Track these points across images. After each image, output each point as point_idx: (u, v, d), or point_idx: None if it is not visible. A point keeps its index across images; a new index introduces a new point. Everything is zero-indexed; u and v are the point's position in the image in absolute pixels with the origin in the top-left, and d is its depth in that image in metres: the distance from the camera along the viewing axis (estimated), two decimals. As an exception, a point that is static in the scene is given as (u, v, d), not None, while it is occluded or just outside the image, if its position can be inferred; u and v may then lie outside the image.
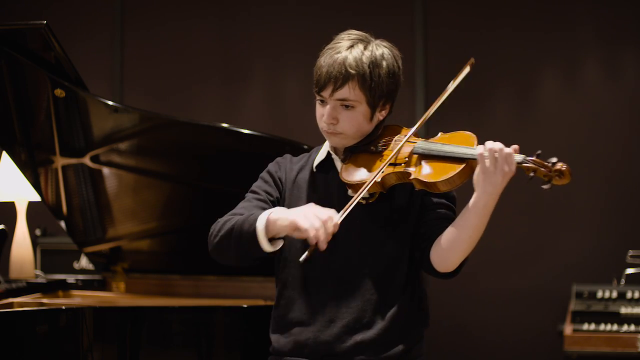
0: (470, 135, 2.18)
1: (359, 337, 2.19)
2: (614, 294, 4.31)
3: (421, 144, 2.17)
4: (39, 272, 4.18)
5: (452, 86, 2.26)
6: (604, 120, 5.02)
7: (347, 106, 2.19)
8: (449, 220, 2.21)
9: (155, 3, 5.71)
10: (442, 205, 2.25)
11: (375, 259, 2.21)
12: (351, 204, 2.09)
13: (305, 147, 3.09)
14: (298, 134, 3.92)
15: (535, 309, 5.02)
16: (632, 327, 4.17)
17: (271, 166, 2.35)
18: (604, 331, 4.17)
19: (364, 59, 2.16)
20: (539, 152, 2.07)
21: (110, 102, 3.30)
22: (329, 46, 2.22)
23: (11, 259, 3.79)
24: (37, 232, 4.85)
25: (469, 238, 2.12)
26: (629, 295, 4.29)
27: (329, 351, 2.20)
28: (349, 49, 2.17)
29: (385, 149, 2.22)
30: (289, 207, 2.24)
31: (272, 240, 2.08)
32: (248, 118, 5.43)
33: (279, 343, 2.26)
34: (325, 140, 2.32)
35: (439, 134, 2.24)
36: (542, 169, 2.05)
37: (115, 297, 3.63)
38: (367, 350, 2.19)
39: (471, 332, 5.16)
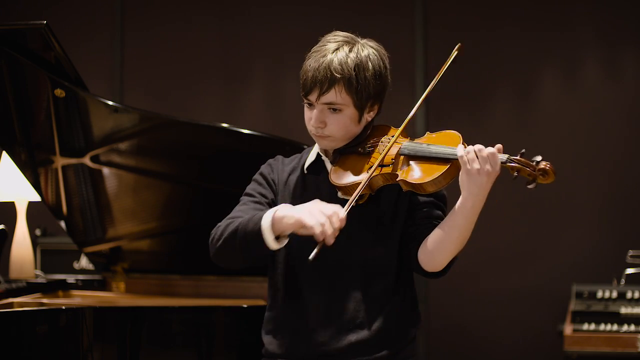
0: (455, 135, 2.18)
1: (352, 337, 2.19)
2: (614, 294, 4.31)
3: (407, 145, 2.17)
4: (39, 272, 4.18)
5: (441, 72, 2.25)
6: (604, 120, 5.02)
7: (334, 109, 2.18)
8: (437, 219, 2.22)
9: (155, 3, 5.71)
10: (431, 204, 2.25)
11: (366, 261, 2.21)
12: (354, 198, 2.09)
13: (305, 147, 3.09)
14: (298, 134, 3.92)
15: (535, 309, 5.02)
16: (632, 327, 4.17)
17: (263, 168, 2.35)
18: (604, 331, 4.17)
19: (349, 61, 2.15)
20: (523, 150, 2.07)
21: (110, 102, 3.30)
22: (314, 49, 2.21)
23: (11, 259, 3.79)
24: (37, 232, 4.85)
25: (456, 239, 2.12)
26: (629, 295, 4.29)
27: (322, 352, 2.20)
28: (334, 52, 2.16)
29: (373, 150, 2.22)
30: None
31: (277, 238, 2.08)
32: (248, 118, 5.43)
33: (272, 345, 2.26)
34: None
35: (426, 133, 2.24)
36: (526, 168, 2.04)
37: (115, 297, 3.63)
38: (360, 351, 2.19)
39: (471, 332, 5.16)
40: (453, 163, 2.09)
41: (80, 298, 3.60)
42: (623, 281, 4.43)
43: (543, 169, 2.02)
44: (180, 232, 3.55)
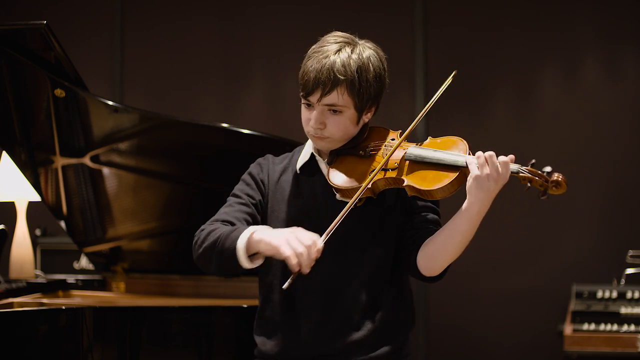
0: (460, 141, 2.18)
1: (347, 338, 2.19)
2: (614, 294, 4.31)
3: (413, 150, 2.16)
4: (39, 272, 4.18)
5: (436, 97, 2.25)
6: (604, 120, 5.02)
7: (334, 111, 2.17)
8: (434, 223, 2.23)
9: (155, 3, 5.71)
10: (428, 208, 2.25)
11: (363, 262, 2.21)
12: (335, 225, 2.07)
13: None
14: (298, 134, 3.91)
15: (535, 309, 5.02)
16: (632, 327, 4.17)
17: (253, 168, 2.33)
18: (604, 331, 4.17)
19: (352, 63, 2.15)
20: (534, 161, 2.06)
21: (110, 102, 3.30)
22: (314, 49, 2.19)
23: (11, 259, 3.79)
24: (37, 232, 4.85)
25: (458, 243, 2.12)
26: (629, 295, 4.29)
27: (318, 353, 2.20)
28: (336, 53, 2.15)
29: (375, 154, 2.21)
30: (272, 209, 2.25)
31: (252, 255, 2.07)
32: (248, 118, 5.43)
33: (266, 346, 2.25)
34: (307, 140, 2.32)
35: (428, 138, 2.23)
36: (538, 179, 2.04)
37: (115, 297, 3.63)
38: (356, 351, 2.20)
39: (471, 332, 5.16)
40: (462, 170, 2.08)
41: (80, 298, 3.60)
42: (623, 281, 4.43)
43: (556, 181, 2.03)
44: (180, 232, 3.55)
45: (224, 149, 3.32)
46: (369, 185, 2.12)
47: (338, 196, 2.20)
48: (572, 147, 5.05)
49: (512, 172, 2.05)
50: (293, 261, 1.96)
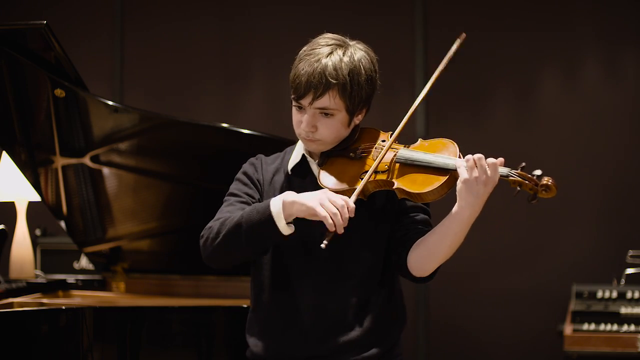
0: (451, 143, 2.17)
1: (340, 339, 2.19)
2: (614, 294, 4.31)
3: (403, 153, 2.16)
4: (39, 272, 4.18)
5: (443, 64, 2.24)
6: (604, 120, 5.01)
7: (326, 114, 2.17)
8: (425, 224, 2.23)
9: (155, 3, 5.71)
10: (418, 208, 2.26)
11: (354, 263, 2.21)
12: (362, 186, 2.10)
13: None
14: (298, 134, 3.93)
15: (535, 309, 5.02)
16: (632, 327, 4.17)
17: (247, 168, 2.32)
18: (604, 331, 4.17)
19: (344, 66, 2.14)
20: (523, 164, 2.06)
21: (110, 102, 3.29)
22: (306, 51, 2.19)
23: (11, 259, 3.79)
24: (37, 232, 4.85)
25: (449, 246, 2.12)
26: (629, 295, 4.29)
27: (310, 353, 2.20)
28: (328, 56, 2.14)
29: (366, 156, 2.21)
30: None
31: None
32: (248, 118, 5.43)
33: (258, 347, 2.25)
34: (291, 140, 2.32)
35: (419, 140, 2.23)
36: (528, 183, 2.03)
37: (115, 297, 3.63)
38: (349, 351, 2.20)
39: (471, 332, 5.16)
40: (452, 173, 2.08)
41: (80, 298, 3.60)
42: (623, 281, 4.43)
43: (546, 185, 2.02)
44: (180, 232, 3.55)
45: (224, 149, 3.32)
46: (360, 186, 2.12)
47: None
48: (572, 147, 5.05)
49: (501, 176, 2.04)
50: (329, 221, 1.99)
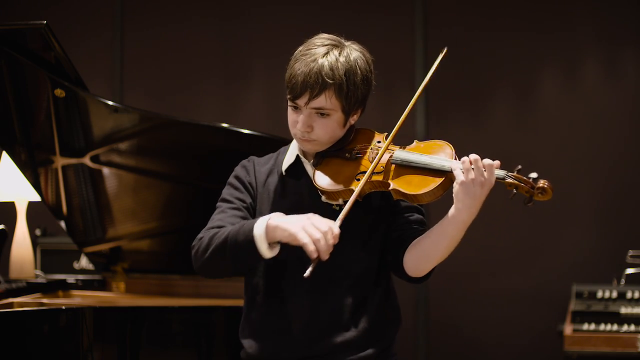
0: (446, 145, 2.17)
1: (336, 339, 2.19)
2: (614, 294, 4.31)
3: (399, 154, 2.16)
4: (39, 272, 4.19)
5: (426, 79, 2.24)
6: (604, 120, 5.02)
7: (322, 114, 2.17)
8: (420, 223, 2.23)
9: (155, 3, 5.71)
10: (413, 208, 2.26)
11: (350, 264, 2.21)
12: (347, 211, 2.06)
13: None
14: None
15: (535, 309, 5.02)
16: (632, 327, 4.17)
17: (239, 171, 2.31)
18: (604, 331, 4.17)
19: (340, 66, 2.14)
20: (519, 167, 2.06)
21: (110, 102, 3.30)
22: (302, 52, 2.18)
23: (11, 259, 3.79)
24: (37, 232, 4.85)
25: (445, 247, 2.12)
26: (629, 295, 4.29)
27: (306, 354, 2.20)
28: (324, 56, 2.14)
29: (362, 157, 2.21)
30: (259, 211, 2.24)
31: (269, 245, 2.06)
32: (248, 118, 5.43)
33: (253, 348, 2.24)
34: (291, 141, 2.31)
35: (414, 142, 2.22)
36: (524, 185, 2.03)
37: (115, 297, 3.63)
38: (344, 352, 2.20)
39: (471, 332, 5.16)
40: (448, 175, 2.08)
41: (80, 298, 3.60)
42: (623, 281, 4.43)
43: (542, 188, 2.02)
44: (180, 232, 3.55)
45: (224, 149, 3.32)
46: (358, 189, 2.12)
47: (323, 198, 2.20)
48: (572, 147, 5.05)
49: (497, 178, 2.03)
50: (311, 247, 1.96)
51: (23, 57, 3.14)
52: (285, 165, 2.28)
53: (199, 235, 2.18)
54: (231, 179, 2.31)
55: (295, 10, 5.44)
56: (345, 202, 2.14)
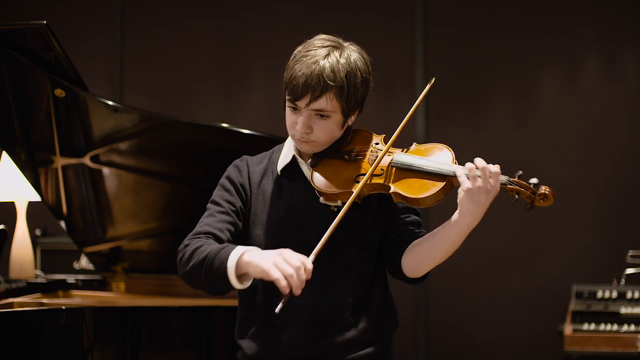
0: (447, 149, 2.18)
1: (336, 338, 2.20)
2: (614, 294, 4.31)
3: (400, 157, 2.16)
4: (39, 272, 4.19)
5: (415, 104, 2.24)
6: (604, 120, 5.02)
7: (321, 115, 2.16)
8: (416, 225, 2.25)
9: (155, 3, 5.71)
10: (410, 210, 2.27)
11: (348, 265, 2.22)
12: (323, 243, 2.04)
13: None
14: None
15: (535, 309, 5.02)
16: (632, 327, 4.17)
17: (232, 172, 2.30)
18: (604, 331, 4.17)
19: (341, 68, 2.13)
20: (520, 172, 2.06)
21: (110, 102, 3.30)
22: (302, 53, 2.17)
23: (11, 259, 3.79)
24: (37, 232, 4.85)
25: (445, 251, 2.14)
26: (629, 295, 4.29)
27: (306, 354, 2.20)
28: (325, 58, 2.14)
29: (362, 159, 2.21)
30: (254, 213, 2.24)
31: (242, 275, 2.04)
32: (248, 118, 5.43)
33: (253, 349, 2.24)
34: (285, 140, 2.31)
35: (413, 145, 2.23)
36: (526, 191, 2.04)
37: (115, 297, 3.63)
38: (343, 352, 2.21)
39: (471, 332, 5.16)
40: (449, 179, 2.09)
41: (80, 298, 3.60)
42: (623, 281, 4.43)
43: (544, 194, 2.02)
44: (180, 232, 3.52)
45: (224, 149, 3.32)
46: (356, 192, 2.12)
47: (321, 199, 2.20)
48: (572, 146, 5.05)
49: (500, 184, 2.04)
50: (282, 283, 1.93)
51: (23, 57, 3.14)
52: (280, 165, 2.27)
53: (185, 241, 2.17)
54: (223, 180, 2.29)
55: (295, 10, 5.44)
56: (344, 204, 2.15)
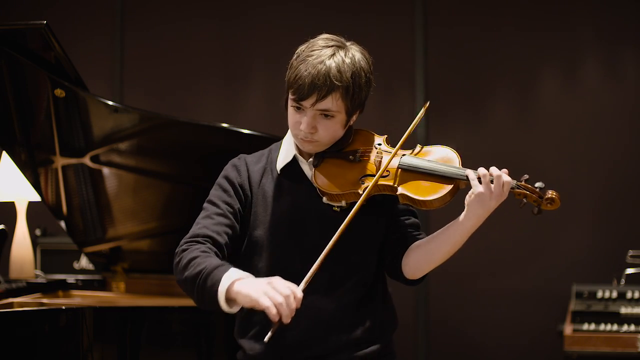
0: (453, 152, 2.19)
1: (339, 338, 2.20)
2: (614, 294, 4.31)
3: (407, 159, 2.17)
4: (39, 272, 4.19)
5: (412, 126, 2.25)
6: (604, 120, 5.02)
7: (326, 115, 2.16)
8: (416, 227, 2.27)
9: (155, 3, 5.71)
10: (409, 212, 2.29)
11: (350, 265, 2.22)
12: (314, 271, 2.03)
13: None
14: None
15: (535, 309, 5.02)
16: (632, 327, 4.17)
17: (230, 172, 2.27)
18: (604, 331, 4.17)
19: (347, 68, 2.13)
20: (527, 176, 2.10)
21: (110, 102, 3.30)
22: (306, 52, 2.17)
23: (11, 259, 3.79)
24: (37, 232, 4.85)
25: (448, 253, 2.16)
26: (629, 295, 4.29)
27: (308, 354, 2.20)
28: (331, 58, 2.13)
29: (367, 160, 2.21)
30: (255, 214, 2.22)
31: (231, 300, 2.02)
32: (248, 118, 5.43)
33: (255, 350, 2.24)
34: (283, 138, 2.31)
35: (417, 146, 2.23)
36: (533, 195, 2.08)
37: (115, 297, 3.63)
38: (346, 351, 2.21)
39: (471, 332, 5.16)
40: (456, 182, 2.11)
41: (80, 298, 3.60)
42: (623, 281, 4.43)
43: (551, 198, 2.08)
44: (180, 232, 3.53)
45: (224, 149, 3.31)
46: (363, 193, 2.12)
47: (325, 199, 2.20)
48: (571, 146, 5.05)
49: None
50: (272, 312, 1.92)
51: (23, 57, 3.14)
52: (280, 164, 2.26)
53: (183, 245, 2.15)
54: (221, 180, 2.27)
55: (295, 10, 5.44)
56: (348, 204, 2.15)
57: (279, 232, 2.21)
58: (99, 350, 2.94)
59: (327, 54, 2.14)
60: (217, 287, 2.00)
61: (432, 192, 2.10)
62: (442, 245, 2.15)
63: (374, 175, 2.15)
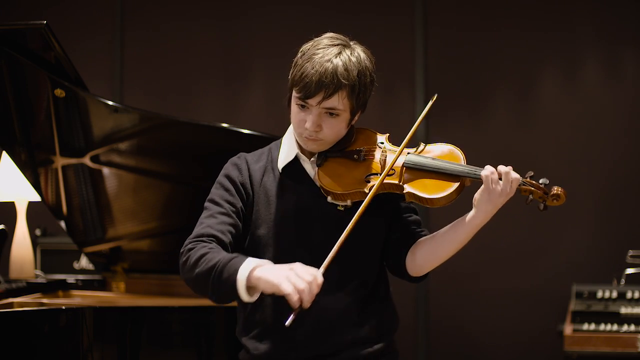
0: (457, 150, 2.20)
1: (345, 337, 2.21)
2: (614, 294, 4.31)
3: (413, 158, 2.17)
4: (39, 272, 4.19)
5: (420, 118, 2.25)
6: (604, 120, 5.02)
7: (331, 114, 2.16)
8: (418, 224, 2.28)
9: (155, 3, 5.71)
10: (410, 209, 2.30)
11: (355, 263, 2.22)
12: (332, 257, 2.04)
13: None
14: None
15: (535, 309, 5.02)
16: (632, 327, 4.17)
17: (230, 170, 2.26)
18: (604, 331, 4.17)
19: (353, 67, 2.14)
20: (532, 173, 2.12)
21: (110, 102, 3.30)
22: (311, 51, 2.16)
23: (11, 259, 3.79)
24: (37, 232, 4.85)
25: (454, 249, 2.18)
26: (629, 295, 4.29)
27: (312, 353, 2.20)
28: (337, 56, 2.13)
29: (372, 158, 2.21)
30: (257, 213, 2.22)
31: (250, 288, 2.02)
32: (248, 118, 5.43)
33: (259, 350, 2.23)
34: (282, 137, 2.31)
35: (421, 144, 2.23)
36: (539, 191, 2.09)
37: (115, 297, 3.63)
38: (351, 349, 2.21)
39: (471, 332, 5.16)
40: (462, 180, 2.11)
41: (80, 298, 3.60)
42: (623, 281, 4.43)
43: (556, 194, 2.08)
44: (180, 232, 3.53)
45: (224, 149, 3.30)
46: (369, 192, 2.12)
47: (329, 198, 2.19)
48: (571, 146, 5.05)
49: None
50: (294, 297, 1.93)
51: (23, 57, 3.14)
52: (282, 163, 2.26)
53: (189, 245, 2.13)
54: (222, 179, 2.26)
55: (295, 10, 5.44)
56: (353, 203, 2.16)
57: (283, 231, 2.21)
58: (99, 350, 2.94)
59: (333, 52, 2.14)
60: (236, 277, 2.00)
61: (439, 190, 2.11)
62: (449, 243, 2.16)
63: (379, 174, 2.15)
